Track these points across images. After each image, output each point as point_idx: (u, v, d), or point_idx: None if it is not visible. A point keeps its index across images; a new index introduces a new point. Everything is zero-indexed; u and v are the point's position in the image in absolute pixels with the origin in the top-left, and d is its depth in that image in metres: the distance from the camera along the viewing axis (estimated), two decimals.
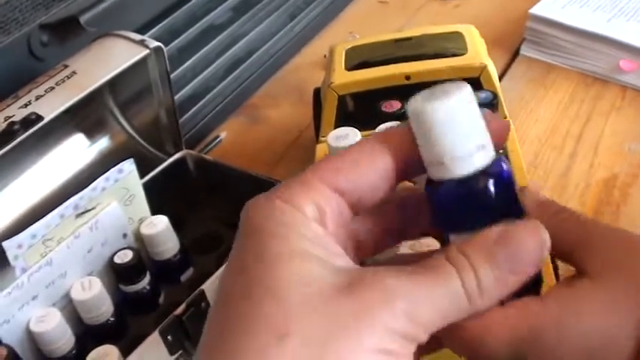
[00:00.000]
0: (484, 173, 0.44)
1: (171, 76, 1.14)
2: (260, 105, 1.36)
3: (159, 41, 1.11)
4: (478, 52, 0.99)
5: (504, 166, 0.45)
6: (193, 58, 1.26)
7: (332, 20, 1.55)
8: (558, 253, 0.46)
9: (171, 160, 1.01)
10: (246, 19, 1.36)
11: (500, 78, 1.28)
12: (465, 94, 0.43)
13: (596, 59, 1.27)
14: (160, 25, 1.19)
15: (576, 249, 0.46)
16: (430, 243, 0.56)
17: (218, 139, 1.26)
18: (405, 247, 0.54)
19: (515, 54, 1.36)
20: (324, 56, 1.36)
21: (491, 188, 0.44)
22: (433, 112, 0.43)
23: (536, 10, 1.35)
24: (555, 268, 0.78)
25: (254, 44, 1.38)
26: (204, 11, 1.29)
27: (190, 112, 1.25)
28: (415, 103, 0.44)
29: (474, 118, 0.43)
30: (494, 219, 0.43)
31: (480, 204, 0.44)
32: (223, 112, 1.32)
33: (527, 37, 1.36)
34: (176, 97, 1.18)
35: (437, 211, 0.46)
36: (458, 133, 0.43)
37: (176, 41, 1.23)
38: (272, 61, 1.41)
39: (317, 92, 1.13)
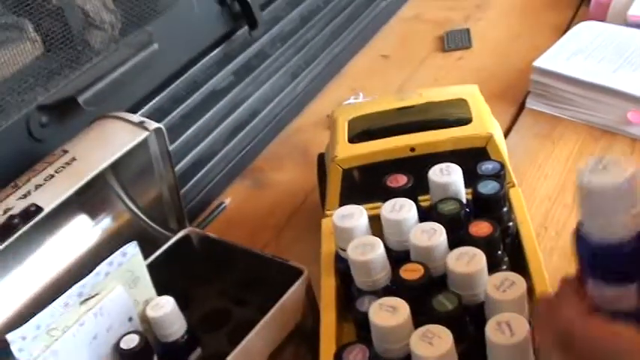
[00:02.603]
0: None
1: (175, 143, 1.15)
2: (264, 168, 1.35)
3: (160, 111, 1.12)
4: (483, 120, 0.98)
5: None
6: (196, 125, 1.25)
7: (334, 77, 1.55)
8: None
9: (175, 238, 1.00)
10: (247, 83, 1.36)
11: (507, 133, 1.27)
12: (630, 172, 0.51)
13: (603, 111, 1.26)
14: (161, 95, 1.19)
15: None
16: None
17: (223, 206, 1.25)
18: None
19: (521, 107, 1.35)
20: (327, 116, 1.35)
21: None
22: (602, 186, 0.51)
23: (540, 62, 1.34)
24: None
25: (256, 107, 1.38)
26: (205, 77, 1.28)
27: (195, 179, 1.24)
28: (584, 177, 0.52)
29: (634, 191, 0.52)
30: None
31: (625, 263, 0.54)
32: (228, 177, 1.31)
33: (532, 90, 1.35)
34: (180, 165, 1.18)
35: (591, 263, 0.56)
36: (620, 204, 0.51)
37: (179, 109, 1.22)
38: (275, 122, 1.40)
39: (321, 157, 1.12)
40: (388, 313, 0.71)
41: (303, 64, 1.49)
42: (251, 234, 1.18)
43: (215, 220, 1.23)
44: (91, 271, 0.83)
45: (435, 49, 1.60)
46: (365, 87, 1.48)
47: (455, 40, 1.59)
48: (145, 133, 0.91)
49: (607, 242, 0.53)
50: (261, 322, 0.83)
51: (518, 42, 1.56)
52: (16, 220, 0.79)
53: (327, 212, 0.96)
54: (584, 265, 0.57)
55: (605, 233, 0.53)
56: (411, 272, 0.77)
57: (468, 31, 1.61)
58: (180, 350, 0.91)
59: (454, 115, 1.01)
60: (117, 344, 0.86)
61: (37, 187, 0.84)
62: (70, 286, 0.81)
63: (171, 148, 0.99)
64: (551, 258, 1.03)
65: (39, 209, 0.81)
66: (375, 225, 0.85)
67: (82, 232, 0.99)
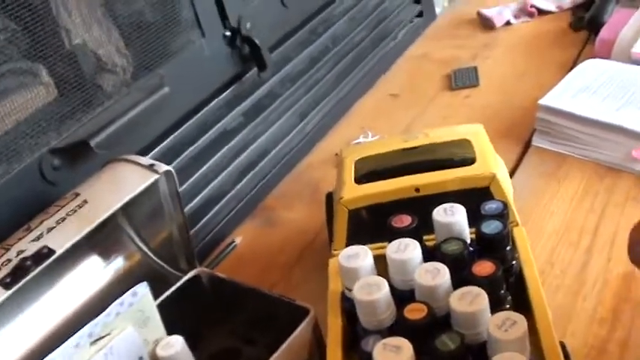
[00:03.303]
0: None
1: (186, 184, 1.17)
2: (274, 207, 1.36)
3: (171, 152, 1.13)
4: (486, 160, 0.99)
5: None
6: (206, 165, 1.27)
7: (343, 116, 1.57)
8: None
9: (185, 278, 1.01)
10: (257, 123, 1.38)
11: (513, 172, 1.28)
12: None
13: (608, 149, 1.27)
14: (172, 136, 1.21)
15: None
16: None
17: (233, 245, 1.27)
18: None
19: (527, 144, 1.36)
20: (336, 154, 1.37)
21: None
22: None
23: (546, 100, 1.36)
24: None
25: (266, 146, 1.40)
26: (215, 119, 1.30)
27: (206, 219, 1.26)
28: None
29: None
30: None
31: None
32: (238, 216, 1.32)
33: (538, 128, 1.36)
34: (190, 205, 1.20)
35: None
36: None
37: (189, 150, 1.24)
38: (284, 161, 1.42)
39: (329, 197, 1.13)
40: (392, 353, 0.72)
41: (313, 104, 1.51)
42: (261, 272, 1.20)
43: (226, 259, 1.24)
44: (102, 312, 0.84)
45: (442, 88, 1.62)
46: (373, 126, 1.50)
47: (462, 79, 1.61)
48: (155, 176, 0.93)
49: None
50: None
51: (524, 80, 1.58)
52: (28, 263, 0.81)
53: (334, 252, 0.97)
54: None
55: None
56: (415, 312, 0.78)
57: (475, 69, 1.63)
58: None
59: (458, 155, 1.02)
60: None
61: (50, 229, 0.86)
62: (81, 327, 0.83)
63: (182, 188, 1.01)
64: (556, 295, 1.04)
65: (51, 252, 0.83)
66: (381, 264, 0.86)
67: (93, 273, 1.00)
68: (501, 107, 1.49)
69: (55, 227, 0.86)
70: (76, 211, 0.88)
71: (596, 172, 1.26)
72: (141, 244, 1.04)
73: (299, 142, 1.46)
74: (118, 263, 1.03)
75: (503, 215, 0.89)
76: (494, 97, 1.54)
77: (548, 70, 1.57)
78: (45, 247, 0.83)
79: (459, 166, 0.99)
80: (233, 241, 1.27)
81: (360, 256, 0.85)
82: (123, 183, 0.92)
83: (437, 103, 1.57)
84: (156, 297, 0.91)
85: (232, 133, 1.34)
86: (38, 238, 0.85)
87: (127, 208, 1.01)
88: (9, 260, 0.83)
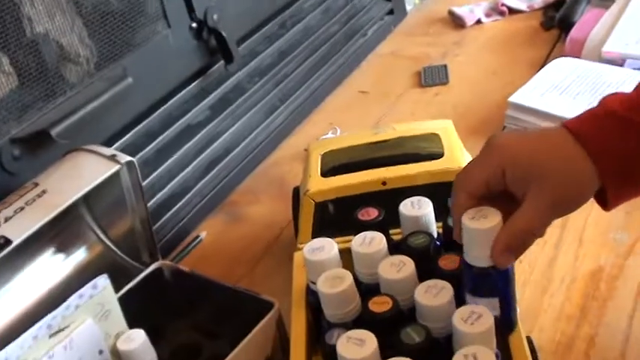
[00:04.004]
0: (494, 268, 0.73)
1: (149, 178, 1.15)
2: (240, 202, 1.35)
3: (134, 145, 1.11)
4: (455, 155, 0.98)
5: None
6: (171, 160, 1.26)
7: (312, 112, 1.55)
8: None
9: (146, 272, 1.00)
10: (223, 117, 1.36)
11: None
12: (496, 222, 0.72)
13: None
14: (136, 129, 1.19)
15: None
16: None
17: (199, 239, 1.25)
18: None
19: None
20: (305, 150, 1.35)
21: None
22: (473, 230, 0.72)
23: (515, 98, 1.35)
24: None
25: (232, 141, 1.38)
26: (180, 112, 1.28)
27: (170, 213, 1.24)
28: (466, 219, 0.73)
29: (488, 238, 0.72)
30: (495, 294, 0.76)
31: (487, 284, 0.75)
32: (203, 211, 1.31)
33: (507, 125, 1.36)
34: (154, 199, 1.18)
35: (466, 279, 0.76)
36: (485, 244, 0.72)
37: (153, 144, 1.23)
38: (251, 157, 1.41)
39: (296, 191, 1.12)
40: (356, 346, 0.71)
41: (281, 99, 1.49)
42: (226, 267, 1.18)
43: (190, 254, 1.22)
44: (61, 304, 0.83)
45: (412, 85, 1.61)
46: (342, 122, 1.49)
47: (432, 76, 1.60)
48: (117, 166, 0.92)
49: (477, 267, 0.74)
50: (231, 355, 0.83)
51: (494, 78, 1.57)
52: None
53: (299, 245, 0.96)
54: (465, 282, 0.77)
55: (475, 261, 0.74)
56: (379, 305, 0.76)
57: (445, 67, 1.63)
58: None
59: (426, 149, 1.01)
60: None
61: (7, 219, 0.84)
62: (40, 319, 0.81)
63: (145, 182, 0.99)
64: (524, 290, 1.04)
65: (8, 242, 0.81)
66: (347, 258, 0.84)
67: (53, 265, 0.99)
68: (471, 105, 1.48)
69: (12, 217, 0.84)
70: (35, 200, 0.86)
71: None
72: (102, 236, 1.03)
73: (266, 138, 1.44)
74: (79, 255, 1.01)
75: None
76: (463, 94, 1.53)
77: (518, 68, 1.57)
78: (2, 237, 0.81)
79: (427, 160, 0.98)
80: (198, 236, 1.25)
81: (325, 249, 0.83)
82: (84, 173, 0.91)
83: (406, 100, 1.56)
84: (117, 290, 0.90)
85: (198, 127, 1.32)
86: None
87: (88, 199, 0.99)
88: None
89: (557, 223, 1.12)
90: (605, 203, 0.75)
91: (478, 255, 0.73)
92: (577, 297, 1.04)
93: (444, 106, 1.50)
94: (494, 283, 0.76)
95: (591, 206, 1.14)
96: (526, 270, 1.07)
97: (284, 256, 1.13)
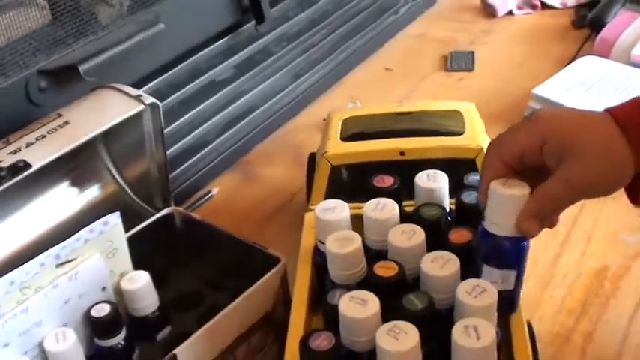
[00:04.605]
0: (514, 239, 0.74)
1: (169, 128, 1.15)
2: (255, 163, 1.36)
3: (158, 93, 1.12)
4: (475, 133, 0.99)
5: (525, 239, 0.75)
6: (192, 112, 1.26)
7: (335, 84, 1.56)
8: None
9: (158, 216, 1.00)
10: (248, 77, 1.37)
11: None
12: (527, 191, 0.72)
13: None
14: (162, 77, 1.19)
15: None
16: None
17: (210, 195, 1.26)
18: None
19: None
20: (324, 120, 1.36)
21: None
22: (502, 196, 0.72)
23: (539, 90, 1.36)
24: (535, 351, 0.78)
25: (254, 102, 1.39)
26: (207, 67, 1.29)
27: (185, 165, 1.25)
28: (496, 185, 0.73)
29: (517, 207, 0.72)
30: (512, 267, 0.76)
31: (507, 255, 0.76)
32: (218, 168, 1.31)
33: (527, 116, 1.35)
34: (172, 150, 1.18)
35: (483, 248, 0.76)
36: (511, 212, 0.72)
37: (176, 94, 1.23)
38: (271, 120, 1.41)
39: (312, 158, 1.12)
40: (358, 305, 0.71)
41: (306, 67, 1.50)
42: (235, 225, 1.18)
43: (200, 209, 1.23)
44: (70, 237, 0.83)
45: (437, 68, 1.61)
46: (364, 97, 1.49)
47: (458, 61, 1.60)
48: (141, 107, 0.92)
49: (499, 236, 0.74)
50: (232, 305, 0.83)
51: (520, 69, 1.57)
52: (3, 173, 0.80)
53: (311, 207, 0.96)
54: (482, 251, 0.77)
55: (497, 229, 0.74)
56: (385, 269, 0.77)
57: (472, 53, 1.63)
58: (150, 326, 0.91)
59: (448, 126, 1.02)
60: (88, 311, 0.86)
61: (29, 145, 0.85)
62: (49, 249, 0.82)
63: (165, 130, 0.99)
64: (527, 281, 1.02)
65: (27, 165, 0.82)
66: (357, 225, 0.85)
67: (66, 198, 1.00)
68: (494, 93, 1.48)
69: (34, 143, 0.85)
70: (57, 130, 0.87)
71: None
72: (117, 177, 1.03)
73: (288, 103, 1.45)
74: (92, 192, 1.02)
75: None
76: (487, 82, 1.53)
77: (544, 63, 1.57)
78: (22, 160, 0.82)
79: (447, 136, 0.99)
80: (210, 191, 1.26)
81: (338, 210, 0.84)
82: (108, 109, 0.91)
83: (430, 82, 1.56)
84: (126, 231, 0.90)
85: (222, 84, 1.33)
86: (16, 152, 0.84)
87: (107, 138, 1.00)
88: None
89: (566, 221, 1.14)
90: (636, 196, 0.76)
91: (502, 223, 0.73)
92: (579, 292, 1.04)
93: (467, 92, 1.50)
94: (513, 255, 0.76)
95: (602, 205, 1.16)
96: (531, 263, 1.06)
97: (293, 220, 1.13)
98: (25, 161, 0.82)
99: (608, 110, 0.73)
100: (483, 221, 0.75)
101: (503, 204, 0.73)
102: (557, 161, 0.71)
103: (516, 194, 0.72)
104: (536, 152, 0.72)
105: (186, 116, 1.25)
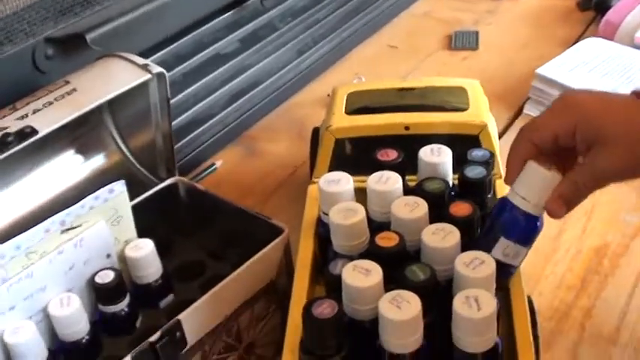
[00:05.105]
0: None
1: (173, 100, 1.16)
2: (259, 137, 1.36)
3: (164, 65, 1.11)
4: (479, 110, 0.99)
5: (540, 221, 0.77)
6: (197, 85, 1.27)
7: (340, 59, 1.56)
8: None
9: (162, 185, 1.01)
10: (253, 52, 1.37)
11: (501, 135, 1.27)
12: (559, 175, 0.74)
13: None
14: (167, 49, 1.20)
15: None
16: None
17: (213, 167, 1.26)
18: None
19: (519, 112, 1.37)
20: (328, 95, 1.36)
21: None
22: (540, 174, 0.74)
23: (543, 70, 1.36)
24: (536, 337, 0.78)
25: (259, 77, 1.39)
26: (212, 40, 1.29)
27: (189, 137, 1.25)
28: (533, 163, 0.74)
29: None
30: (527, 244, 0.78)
31: (527, 231, 0.77)
32: (221, 141, 1.32)
33: (531, 97, 1.36)
34: (176, 122, 1.19)
35: (505, 221, 0.77)
36: (543, 192, 0.74)
37: (181, 66, 1.24)
38: (275, 95, 1.41)
39: (316, 132, 1.13)
40: (361, 275, 0.72)
41: (311, 43, 1.50)
42: (237, 198, 1.18)
43: (203, 181, 1.24)
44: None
45: (441, 47, 1.61)
46: (368, 73, 1.49)
47: (462, 41, 1.61)
48: (148, 76, 0.93)
49: (527, 213, 0.75)
50: (236, 272, 0.84)
51: (524, 50, 1.57)
52: (10, 139, 0.81)
53: (315, 180, 0.97)
54: (503, 224, 0.77)
55: (525, 205, 0.75)
56: (386, 240, 0.77)
57: (476, 33, 1.63)
58: (153, 293, 0.92)
59: (452, 101, 1.02)
60: (92, 278, 0.87)
61: (35, 111, 0.85)
62: (53, 215, 0.82)
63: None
64: (527, 257, 1.04)
65: (34, 131, 0.82)
66: (360, 198, 0.85)
67: (71, 166, 1.00)
68: (498, 73, 1.49)
69: (41, 110, 0.85)
70: (64, 97, 0.87)
71: None
72: (122, 146, 1.04)
73: (291, 79, 1.45)
74: (97, 161, 1.03)
75: (488, 163, 0.89)
76: (491, 62, 1.54)
77: (549, 44, 1.57)
78: (29, 126, 0.83)
79: (451, 112, 0.99)
80: (213, 164, 1.27)
81: (342, 182, 0.84)
82: (115, 77, 0.92)
83: (434, 60, 1.56)
84: (131, 200, 0.90)
85: (226, 58, 1.33)
86: (23, 117, 0.84)
87: (113, 107, 1.00)
88: None
89: None
90: None
91: (533, 200, 0.75)
92: (579, 269, 1.05)
93: (471, 71, 1.50)
94: (531, 233, 0.78)
95: None
96: None
97: (296, 193, 1.14)
98: (32, 127, 0.83)
99: (636, 93, 0.74)
100: (509, 195, 0.77)
101: (540, 182, 0.74)
102: (587, 147, 0.73)
103: (555, 175, 0.74)
104: (570, 135, 0.74)
105: (191, 88, 1.26)
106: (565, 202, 0.74)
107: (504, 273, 0.77)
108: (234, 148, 1.33)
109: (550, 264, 1.05)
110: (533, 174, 0.74)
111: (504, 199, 0.77)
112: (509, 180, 0.77)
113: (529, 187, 0.75)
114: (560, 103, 0.76)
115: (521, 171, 0.76)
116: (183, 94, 1.24)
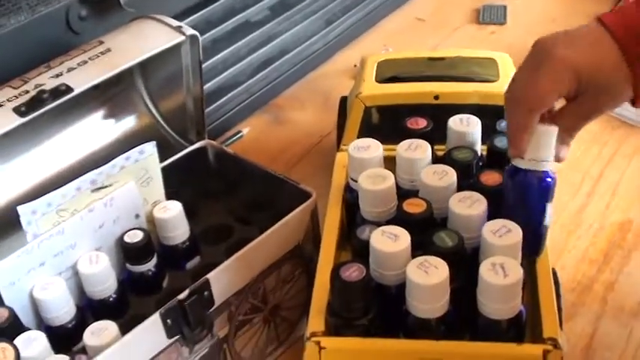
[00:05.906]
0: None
1: (203, 66, 1.16)
2: (285, 106, 1.37)
3: (195, 29, 1.12)
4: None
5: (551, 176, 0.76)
6: (226, 51, 1.27)
7: (367, 31, 1.56)
8: None
9: (192, 148, 1.01)
10: (282, 20, 1.37)
11: None
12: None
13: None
14: (198, 14, 1.21)
15: None
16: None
17: (240, 134, 1.27)
18: None
19: None
20: (355, 66, 1.37)
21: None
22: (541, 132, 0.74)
23: None
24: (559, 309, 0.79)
25: (287, 45, 1.39)
26: (242, 7, 1.30)
27: (216, 104, 1.26)
28: (542, 126, 0.74)
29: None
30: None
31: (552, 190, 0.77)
32: (248, 108, 1.33)
33: None
34: (205, 87, 1.19)
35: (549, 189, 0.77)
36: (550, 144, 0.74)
37: (211, 32, 1.24)
38: (303, 64, 1.42)
39: (343, 101, 1.13)
40: (390, 240, 0.73)
41: (339, 13, 1.50)
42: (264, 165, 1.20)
43: (230, 147, 1.24)
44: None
45: (469, 21, 1.61)
46: (396, 45, 1.49)
47: (490, 15, 1.60)
48: (182, 37, 0.93)
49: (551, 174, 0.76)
50: (263, 235, 0.84)
51: (552, 25, 1.54)
52: (45, 95, 0.81)
53: (343, 147, 0.97)
54: (549, 193, 0.77)
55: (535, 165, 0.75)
56: (414, 206, 0.78)
57: (504, 7, 1.62)
58: (180, 255, 0.93)
59: (482, 73, 1.02)
60: (121, 237, 0.88)
61: (70, 69, 0.86)
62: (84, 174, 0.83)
63: None
64: (551, 229, 1.05)
65: (69, 89, 0.83)
66: (389, 166, 0.85)
67: (102, 127, 1.01)
68: (525, 47, 1.44)
69: (75, 68, 0.86)
70: (98, 56, 0.88)
71: (609, 124, 1.26)
72: (152, 109, 1.05)
73: (318, 49, 1.45)
74: (128, 122, 1.03)
75: None
76: (519, 36, 1.53)
77: (578, 19, 1.52)
78: (64, 84, 0.83)
79: (481, 83, 0.99)
80: (240, 131, 1.27)
81: (371, 149, 0.85)
82: (149, 39, 0.92)
83: (461, 34, 1.56)
84: (160, 162, 0.91)
85: (256, 25, 1.34)
86: (58, 75, 0.85)
87: (145, 69, 1.01)
88: (26, 92, 0.83)
89: (593, 173, 1.15)
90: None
91: (546, 157, 0.75)
92: (602, 243, 1.05)
93: (499, 45, 1.49)
94: (553, 187, 0.78)
95: (629, 162, 1.17)
96: (556, 212, 1.08)
97: (321, 161, 1.15)
98: (67, 85, 0.83)
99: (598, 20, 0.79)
100: (521, 164, 0.76)
101: (549, 139, 0.75)
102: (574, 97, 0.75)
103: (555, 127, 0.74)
104: (572, 97, 0.75)
105: (220, 55, 1.26)
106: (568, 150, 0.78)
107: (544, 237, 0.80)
108: (261, 116, 1.34)
109: (573, 238, 1.06)
110: (543, 136, 0.74)
111: (542, 170, 0.76)
112: (522, 152, 0.76)
113: (538, 148, 0.75)
114: (547, 59, 0.79)
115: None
116: (212, 60, 1.24)
